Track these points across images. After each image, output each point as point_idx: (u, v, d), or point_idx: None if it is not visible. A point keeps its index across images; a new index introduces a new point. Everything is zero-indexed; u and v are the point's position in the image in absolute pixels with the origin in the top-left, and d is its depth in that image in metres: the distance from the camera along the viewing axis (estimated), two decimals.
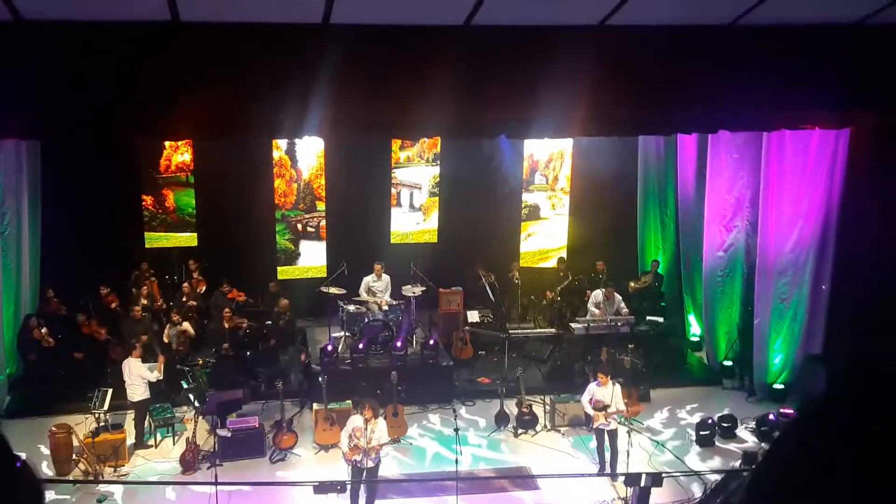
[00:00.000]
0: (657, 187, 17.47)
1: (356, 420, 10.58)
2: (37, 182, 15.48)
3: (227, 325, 14.56)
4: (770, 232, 13.72)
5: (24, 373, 14.43)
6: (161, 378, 13.00)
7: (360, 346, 14.24)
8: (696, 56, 10.62)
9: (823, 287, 13.75)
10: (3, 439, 1.34)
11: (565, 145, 18.17)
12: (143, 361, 12.85)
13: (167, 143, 16.81)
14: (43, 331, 14.01)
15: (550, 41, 9.75)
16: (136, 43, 9.42)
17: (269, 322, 15.24)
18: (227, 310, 14.87)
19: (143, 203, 17.13)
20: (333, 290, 15.54)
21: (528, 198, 18.50)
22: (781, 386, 14.26)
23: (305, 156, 17.57)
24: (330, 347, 14.30)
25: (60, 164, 15.48)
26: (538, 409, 13.59)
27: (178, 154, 17.06)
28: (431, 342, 14.64)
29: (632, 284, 16.85)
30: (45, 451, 11.98)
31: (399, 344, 14.42)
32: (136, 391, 12.48)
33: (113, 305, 15.39)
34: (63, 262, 15.54)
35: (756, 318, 14.13)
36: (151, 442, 12.71)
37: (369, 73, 10.10)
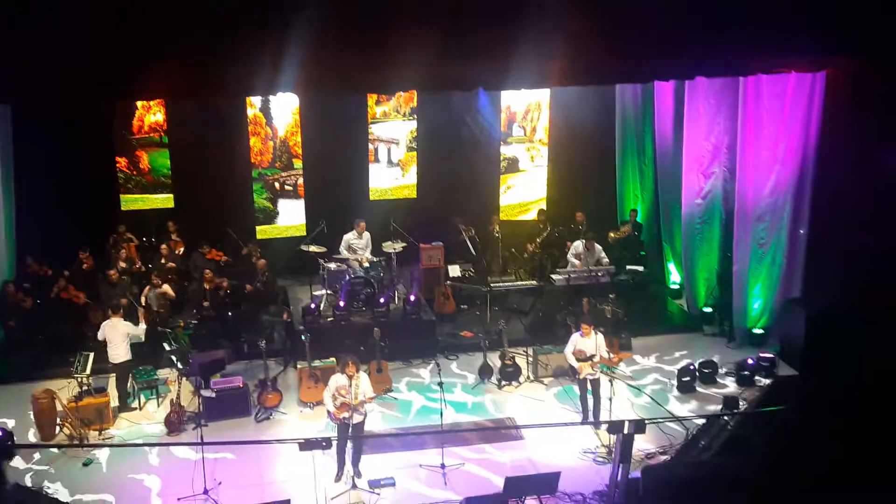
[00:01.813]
0: (635, 136, 17.44)
1: (339, 379, 10.60)
2: (8, 146, 15.25)
3: (207, 287, 14.49)
4: (748, 177, 13.75)
5: (3, 339, 14.35)
6: (146, 330, 12.97)
7: (341, 303, 14.24)
8: (671, 2, 10.55)
9: (801, 231, 13.85)
10: None
11: (542, 96, 18.07)
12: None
13: (139, 104, 16.57)
14: (19, 294, 13.90)
15: None
16: (107, 3, 9.24)
17: (249, 282, 15.17)
18: (207, 271, 14.79)
19: (118, 165, 16.93)
20: (314, 248, 15.49)
21: (506, 150, 18.43)
22: (761, 331, 14.41)
23: (281, 113, 17.38)
24: (313, 306, 14.29)
25: (32, 128, 15.24)
26: (521, 361, 13.68)
27: (151, 114, 16.82)
28: (412, 298, 14.66)
29: (611, 235, 16.89)
30: (30, 416, 11.94)
31: (382, 300, 14.43)
32: (119, 352, 12.40)
33: (85, 267, 15.25)
34: (39, 227, 15.39)
35: (735, 263, 14.22)
36: (135, 405, 12.69)
37: (343, 27, 9.97)
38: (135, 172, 17.05)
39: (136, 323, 12.76)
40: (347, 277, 14.76)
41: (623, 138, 17.70)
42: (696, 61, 11.87)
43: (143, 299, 14.23)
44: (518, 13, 10.17)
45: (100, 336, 12.47)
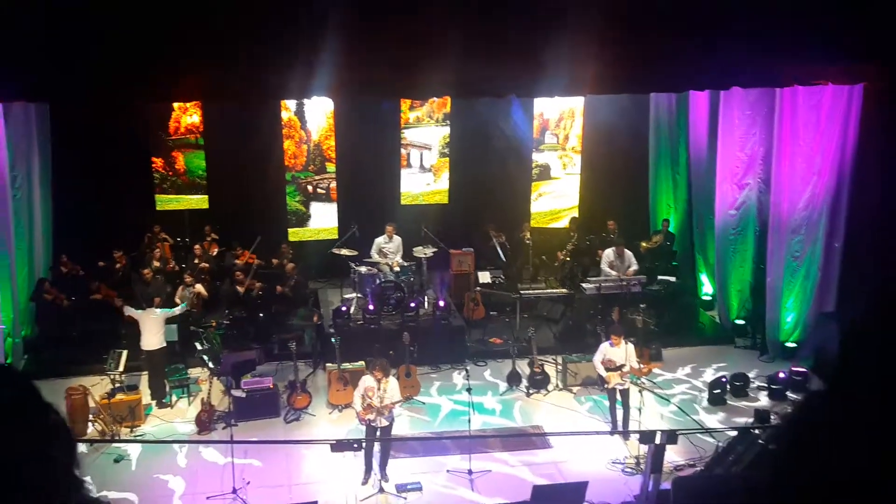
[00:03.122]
0: (669, 145, 17.35)
1: (368, 380, 10.64)
2: (47, 145, 15.48)
3: (239, 288, 14.61)
4: (783, 189, 13.63)
5: (39, 335, 14.57)
6: (185, 308, 13.39)
7: (370, 307, 14.29)
8: (707, 11, 10.49)
9: (836, 245, 13.68)
10: (35, 390, 1.34)
11: (576, 104, 18.01)
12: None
13: (176, 105, 16.75)
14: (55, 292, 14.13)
15: None
16: (145, 4, 9.36)
17: (280, 284, 15.27)
18: (238, 272, 14.92)
19: (154, 165, 17.12)
20: (345, 251, 15.56)
21: (538, 157, 18.40)
22: (794, 344, 14.26)
23: (315, 117, 17.49)
24: (344, 308, 14.36)
25: (70, 127, 15.47)
26: (550, 369, 13.63)
27: (188, 116, 17.00)
28: (441, 303, 14.66)
29: (643, 245, 16.80)
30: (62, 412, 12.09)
31: (412, 305, 14.46)
32: (153, 340, 12.56)
33: (118, 266, 15.43)
34: (75, 225, 15.60)
35: (768, 276, 14.09)
36: (168, 402, 12.82)
37: (378, 32, 10.03)
38: (170, 173, 17.23)
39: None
40: (378, 281, 14.80)
41: (657, 147, 17.61)
42: (732, 71, 11.79)
43: (177, 299, 14.37)
44: (553, 20, 10.17)
45: (142, 324, 12.67)
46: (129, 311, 12.95)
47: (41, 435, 1.30)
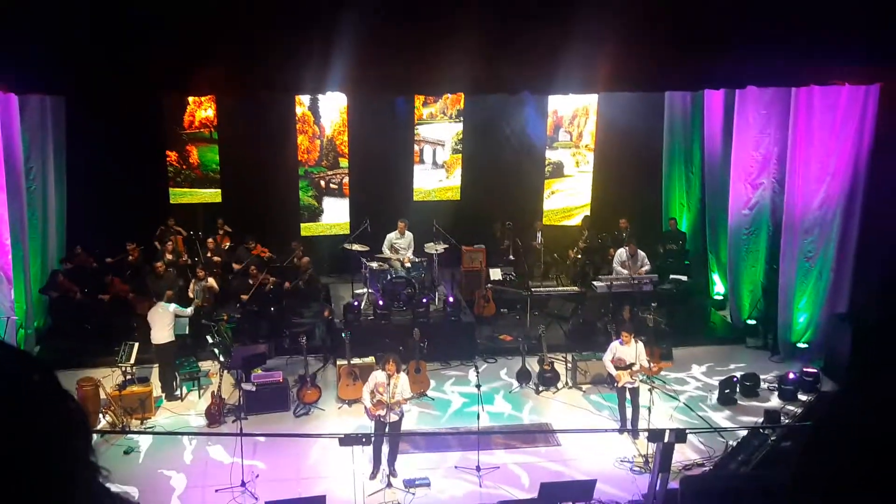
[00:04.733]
0: (683, 144, 17.29)
1: (378, 375, 10.65)
2: (62, 138, 15.55)
3: (251, 282, 14.65)
4: (797, 189, 13.56)
5: (51, 326, 14.65)
6: (195, 310, 13.46)
7: (381, 302, 14.31)
8: (724, 10, 10.43)
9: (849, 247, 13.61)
10: (53, 376, 1.35)
11: (590, 101, 17.98)
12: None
13: (191, 99, 16.81)
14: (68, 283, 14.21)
15: None
16: None
17: (292, 279, 15.31)
18: (252, 267, 14.96)
19: (168, 159, 17.19)
20: (356, 247, 15.58)
21: (551, 155, 18.37)
22: (805, 345, 14.19)
23: (328, 112, 17.53)
24: (355, 304, 14.38)
25: (85, 120, 15.53)
26: (560, 367, 13.62)
27: (202, 110, 17.06)
28: (451, 300, 14.67)
29: (660, 251, 16.80)
30: None
31: (424, 301, 14.48)
32: (162, 334, 12.61)
33: (130, 259, 15.50)
34: (88, 217, 15.67)
35: (781, 276, 14.02)
36: (178, 395, 12.88)
37: (392, 27, 10.01)
38: (184, 167, 17.30)
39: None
40: (389, 277, 14.81)
41: (670, 146, 17.56)
42: (748, 70, 11.72)
43: (189, 292, 14.43)
44: (568, 16, 10.13)
45: (152, 318, 12.74)
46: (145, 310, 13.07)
47: (62, 421, 1.31)
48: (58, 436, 1.28)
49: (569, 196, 18.57)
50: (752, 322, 15.10)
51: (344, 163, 17.77)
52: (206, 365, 13.50)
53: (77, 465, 1.30)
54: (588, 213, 18.21)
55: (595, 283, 15.19)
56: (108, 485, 1.40)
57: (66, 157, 15.74)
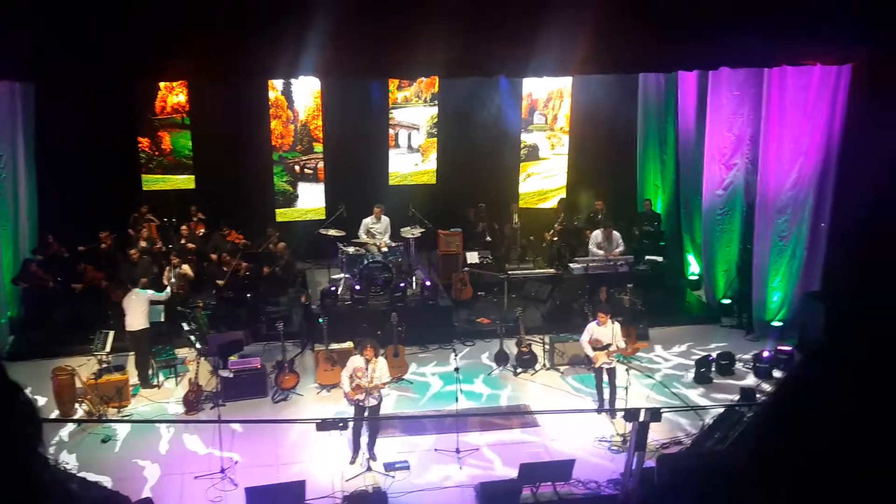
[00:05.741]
0: (657, 126, 17.37)
1: (357, 360, 10.66)
2: (31, 125, 15.34)
3: (226, 268, 14.58)
4: (770, 169, 13.67)
5: (24, 316, 14.50)
6: (170, 294, 13.42)
7: (358, 287, 14.30)
8: None
9: (822, 225, 13.75)
10: (2, 369, 1.34)
11: (564, 84, 17.99)
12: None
13: (162, 84, 16.63)
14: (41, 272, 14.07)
15: None
16: None
17: (268, 265, 15.25)
18: (225, 254, 14.88)
19: (140, 145, 17.01)
20: (332, 232, 15.54)
21: (526, 138, 18.39)
22: (780, 323, 14.35)
23: (302, 96, 17.41)
24: (332, 289, 14.35)
25: (55, 107, 15.33)
26: (537, 349, 13.68)
27: (174, 95, 16.89)
28: (428, 283, 14.68)
29: (636, 233, 16.89)
30: (49, 393, 12.07)
31: (401, 285, 14.48)
32: (136, 320, 12.54)
33: (103, 246, 15.35)
34: (60, 206, 15.49)
35: (755, 256, 14.16)
36: (155, 382, 12.82)
37: (365, 11, 9.95)
38: (157, 153, 17.13)
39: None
40: (365, 262, 14.79)
41: (645, 128, 17.63)
42: (721, 51, 11.77)
43: (164, 280, 14.33)
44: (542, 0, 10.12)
45: (126, 306, 12.67)
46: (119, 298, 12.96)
47: (11, 412, 1.30)
48: (7, 427, 1.28)
49: (544, 179, 18.60)
50: (727, 301, 15.25)
51: (318, 147, 17.68)
52: (182, 352, 13.43)
53: (28, 455, 1.30)
54: (564, 195, 18.26)
55: (571, 265, 15.26)
56: (82, 473, 1.40)
57: (37, 145, 15.51)
